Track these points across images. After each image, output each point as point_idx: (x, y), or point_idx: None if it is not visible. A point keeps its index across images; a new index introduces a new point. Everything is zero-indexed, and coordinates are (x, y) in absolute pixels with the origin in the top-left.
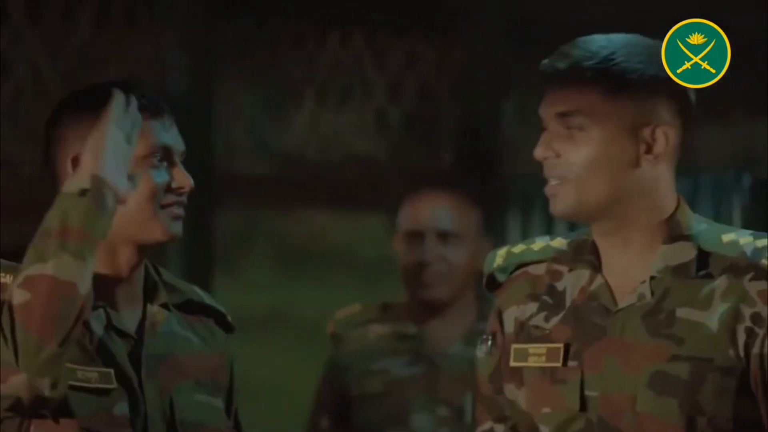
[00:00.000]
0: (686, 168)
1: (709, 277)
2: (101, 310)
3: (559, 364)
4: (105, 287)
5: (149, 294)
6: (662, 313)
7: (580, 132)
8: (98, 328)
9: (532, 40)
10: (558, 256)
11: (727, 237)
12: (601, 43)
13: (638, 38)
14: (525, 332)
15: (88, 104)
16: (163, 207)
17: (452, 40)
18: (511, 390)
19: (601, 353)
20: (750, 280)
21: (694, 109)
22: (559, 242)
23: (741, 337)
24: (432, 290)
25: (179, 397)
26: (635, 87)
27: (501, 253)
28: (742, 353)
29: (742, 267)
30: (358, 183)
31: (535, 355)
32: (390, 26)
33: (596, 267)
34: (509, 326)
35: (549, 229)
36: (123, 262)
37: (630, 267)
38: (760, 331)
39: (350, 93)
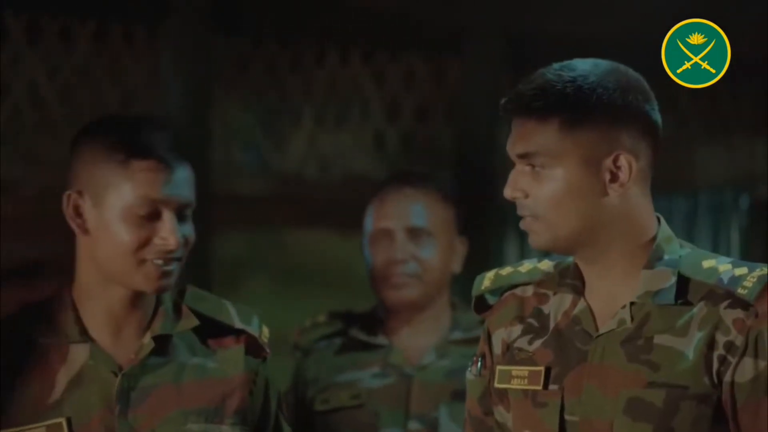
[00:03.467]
0: (685, 188)
1: (688, 304)
2: (87, 346)
3: (539, 388)
4: (96, 322)
5: (151, 324)
6: (641, 339)
7: (543, 169)
8: (73, 367)
9: (531, 60)
10: (544, 280)
11: (708, 263)
12: (551, 77)
13: (595, 65)
14: (510, 354)
15: (98, 139)
16: (145, 261)
17: (450, 61)
18: (500, 413)
19: (581, 378)
20: (726, 308)
21: (660, 126)
22: (547, 265)
23: (715, 365)
24: (403, 292)
25: (163, 429)
26: (590, 118)
27: (489, 275)
28: (716, 380)
29: (718, 294)
30: (357, 202)
31: (518, 378)
32: (388, 46)
33: (579, 291)
34: (497, 348)
35: (546, 253)
36: (115, 299)
37: (612, 292)
38: (733, 360)
39: (348, 113)
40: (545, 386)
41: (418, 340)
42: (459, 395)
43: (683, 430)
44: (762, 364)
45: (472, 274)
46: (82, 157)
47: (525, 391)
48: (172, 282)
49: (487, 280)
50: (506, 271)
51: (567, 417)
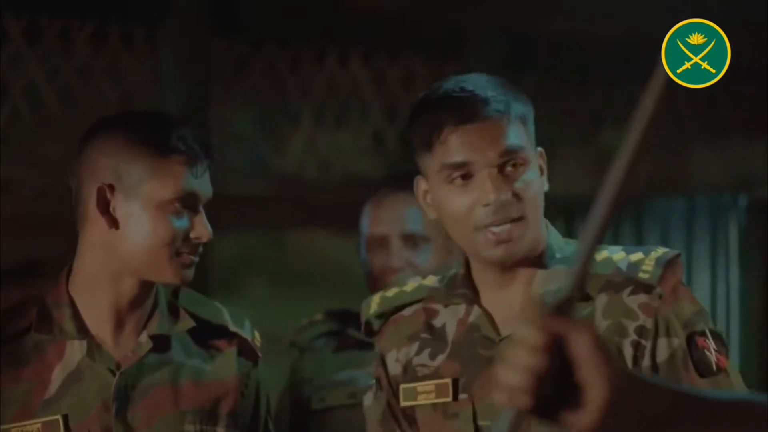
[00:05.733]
0: (684, 189)
1: (588, 299)
2: (84, 342)
3: (449, 399)
4: (97, 318)
5: (147, 323)
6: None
7: (522, 168)
8: (70, 364)
9: (531, 60)
10: (432, 295)
11: (600, 255)
12: (481, 82)
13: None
14: (410, 372)
15: (125, 134)
16: (178, 254)
17: (448, 61)
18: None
19: (490, 383)
20: (629, 294)
21: None
22: (431, 280)
23: (628, 351)
24: None
25: (159, 428)
26: (530, 117)
27: (376, 299)
28: (631, 366)
29: (618, 283)
30: (356, 203)
31: (425, 393)
32: (387, 47)
33: (472, 300)
34: (394, 369)
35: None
36: (123, 294)
37: (512, 296)
38: (647, 343)
39: (347, 114)
40: (455, 397)
41: None
42: None
43: None
44: (675, 341)
45: None
46: (109, 151)
47: (434, 405)
48: (192, 274)
49: (374, 304)
50: (392, 292)
51: (480, 423)
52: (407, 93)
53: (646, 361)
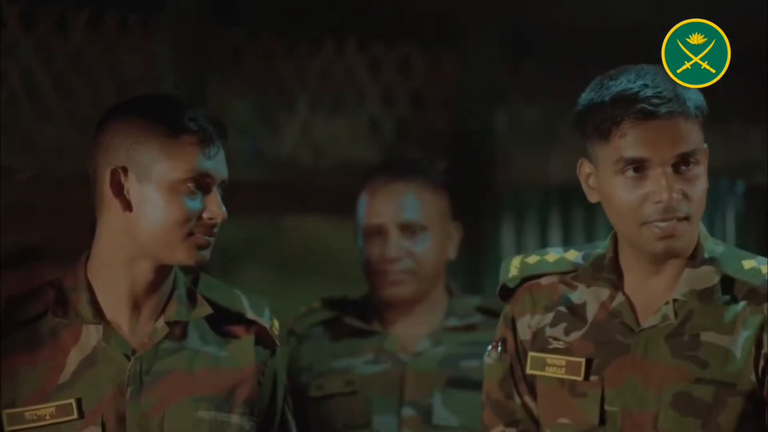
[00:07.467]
0: None
1: (733, 302)
2: (100, 327)
3: (580, 378)
4: (114, 303)
5: (164, 309)
6: (686, 336)
7: (694, 168)
8: (86, 348)
9: (529, 48)
10: (574, 271)
11: (748, 264)
12: (662, 79)
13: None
14: (540, 341)
15: (137, 116)
16: (191, 234)
17: (445, 50)
18: (527, 397)
19: (622, 370)
20: None
21: None
22: (574, 254)
23: (761, 363)
24: (398, 288)
25: (173, 414)
26: (703, 113)
27: (515, 264)
28: (760, 377)
29: (762, 294)
30: (351, 189)
31: (554, 366)
32: (383, 35)
33: (617, 285)
34: (524, 334)
35: (543, 241)
36: (139, 278)
37: (655, 288)
38: None
39: (343, 100)
40: (586, 377)
41: (413, 328)
42: (453, 382)
43: (729, 425)
44: None
45: (469, 261)
46: (121, 134)
47: (561, 380)
48: (209, 255)
49: (513, 268)
50: (533, 259)
51: (607, 407)
52: (404, 79)
53: None
